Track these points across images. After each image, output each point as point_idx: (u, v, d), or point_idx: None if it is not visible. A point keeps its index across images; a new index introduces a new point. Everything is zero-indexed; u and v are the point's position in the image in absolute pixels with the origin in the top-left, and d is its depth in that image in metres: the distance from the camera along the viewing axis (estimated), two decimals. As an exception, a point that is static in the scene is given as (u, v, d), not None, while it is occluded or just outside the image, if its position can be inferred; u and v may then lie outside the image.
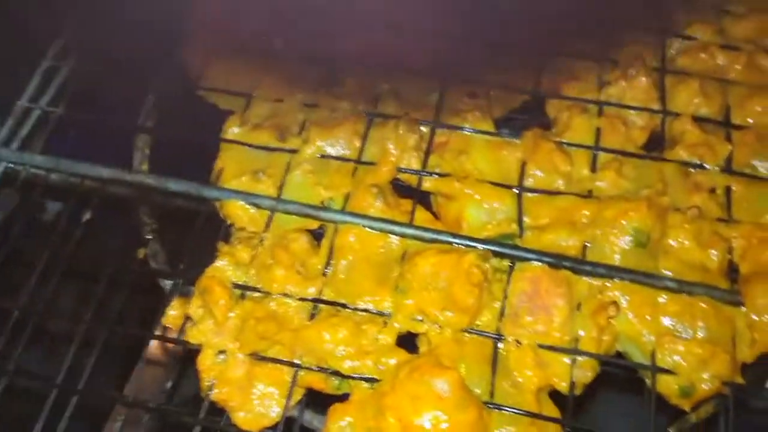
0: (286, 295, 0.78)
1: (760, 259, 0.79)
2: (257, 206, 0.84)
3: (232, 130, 0.90)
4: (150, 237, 0.88)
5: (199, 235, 0.84)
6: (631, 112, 0.90)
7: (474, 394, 0.70)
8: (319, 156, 0.88)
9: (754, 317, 0.75)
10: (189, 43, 1.00)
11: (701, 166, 0.86)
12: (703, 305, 0.76)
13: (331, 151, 0.88)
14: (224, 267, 0.80)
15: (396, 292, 0.77)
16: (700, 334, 0.75)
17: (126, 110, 0.99)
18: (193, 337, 0.76)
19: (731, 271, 0.80)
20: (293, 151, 0.88)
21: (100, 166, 0.87)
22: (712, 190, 0.83)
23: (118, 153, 0.95)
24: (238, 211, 0.84)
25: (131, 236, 0.90)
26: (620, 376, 0.80)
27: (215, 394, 0.74)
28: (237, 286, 0.79)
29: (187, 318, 0.78)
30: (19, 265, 0.85)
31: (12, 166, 0.90)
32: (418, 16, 0.98)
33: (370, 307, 0.77)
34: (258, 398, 0.74)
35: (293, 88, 0.93)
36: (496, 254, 0.79)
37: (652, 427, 0.72)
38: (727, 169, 0.86)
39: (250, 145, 0.89)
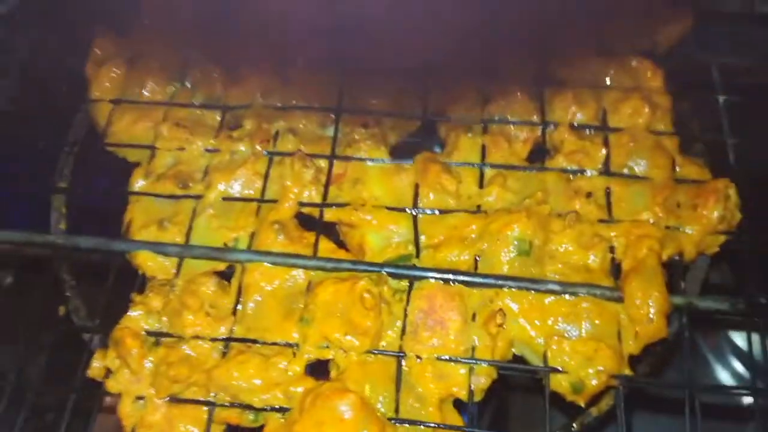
0: (197, 337, 0.82)
1: (637, 255, 0.84)
2: (165, 254, 0.87)
3: (138, 183, 0.94)
4: (69, 294, 0.91)
5: (113, 288, 0.87)
6: (513, 127, 0.96)
7: (376, 413, 0.75)
8: (222, 199, 0.92)
9: (632, 310, 0.81)
10: (92, 96, 1.03)
11: (581, 172, 0.92)
12: (587, 304, 0.82)
13: (233, 192, 0.92)
14: (137, 317, 0.83)
15: (301, 323, 0.81)
16: (585, 333, 0.80)
17: (41, 165, 1.03)
18: (111, 387, 0.80)
19: (615, 269, 0.86)
20: (198, 197, 0.92)
21: (12, 231, 0.90)
22: (590, 194, 0.89)
23: (38, 210, 0.98)
24: (147, 261, 0.88)
25: (52, 294, 0.93)
26: (521, 379, 0.86)
27: (138, 441, 0.77)
28: (150, 333, 0.83)
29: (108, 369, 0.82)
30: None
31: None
32: (306, 47, 1.02)
33: (279, 340, 0.81)
34: (179, 438, 0.78)
35: (194, 135, 0.96)
36: (394, 276, 0.84)
37: (547, 424, 0.77)
38: (605, 171, 0.92)
39: (155, 195, 0.92)
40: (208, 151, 0.96)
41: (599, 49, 1.02)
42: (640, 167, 0.92)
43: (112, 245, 0.89)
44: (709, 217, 0.86)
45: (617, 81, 0.99)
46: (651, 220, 0.87)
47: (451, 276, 0.82)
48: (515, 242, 0.85)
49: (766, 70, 1.02)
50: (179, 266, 0.88)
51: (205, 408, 0.79)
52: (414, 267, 0.85)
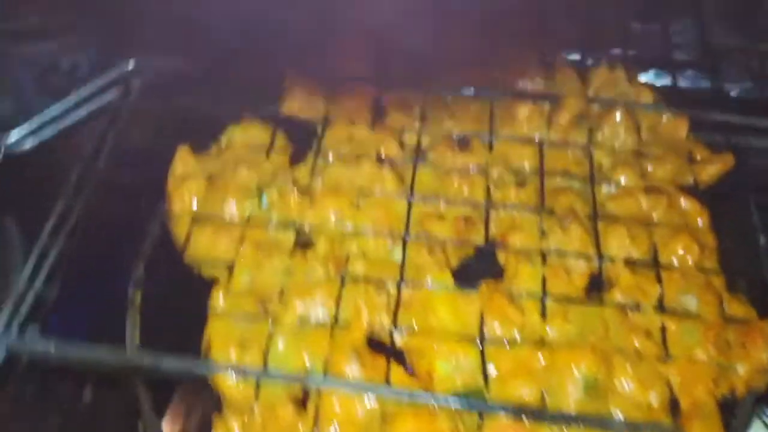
0: (279, 464, 0.86)
1: (694, 393, 0.90)
2: (245, 378, 0.92)
3: (219, 302, 0.99)
4: (146, 411, 0.94)
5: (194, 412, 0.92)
6: (571, 259, 1.02)
7: None
8: (299, 322, 0.97)
9: (696, 453, 0.85)
10: (172, 210, 1.09)
11: (637, 308, 0.98)
12: (649, 443, 0.87)
13: (309, 314, 0.97)
14: (218, 446, 0.87)
15: (379, 455, 0.86)
16: (649, 472, 0.85)
17: (116, 277, 1.08)
18: None
19: (673, 406, 0.91)
20: (274, 319, 0.97)
21: (94, 348, 0.94)
22: (648, 333, 0.95)
23: (113, 321, 1.03)
24: (227, 383, 0.92)
25: (130, 411, 0.97)
26: None
27: None
28: (232, 459, 0.86)
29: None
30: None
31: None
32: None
33: (356, 468, 0.85)
34: None
35: (271, 255, 1.02)
36: (466, 408, 0.89)
37: None
38: (660, 308, 0.98)
39: (235, 316, 0.97)
40: (283, 271, 1.02)
41: (647, 187, 1.10)
42: (690, 304, 0.98)
43: (195, 368, 0.93)
44: (758, 357, 0.92)
45: (666, 218, 1.06)
46: (706, 358, 0.93)
47: (524, 415, 0.87)
48: (582, 379, 0.90)
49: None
50: (257, 388, 0.92)
51: None
52: (489, 403, 0.89)
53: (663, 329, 0.96)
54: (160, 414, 0.95)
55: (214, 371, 0.92)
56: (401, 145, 1.16)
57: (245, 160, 1.13)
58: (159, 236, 1.09)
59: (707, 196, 1.09)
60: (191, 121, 1.20)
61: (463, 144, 1.14)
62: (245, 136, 1.18)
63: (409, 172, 1.13)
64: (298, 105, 1.22)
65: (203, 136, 1.19)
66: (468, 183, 1.11)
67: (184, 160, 1.13)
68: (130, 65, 1.28)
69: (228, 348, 0.95)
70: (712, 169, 1.13)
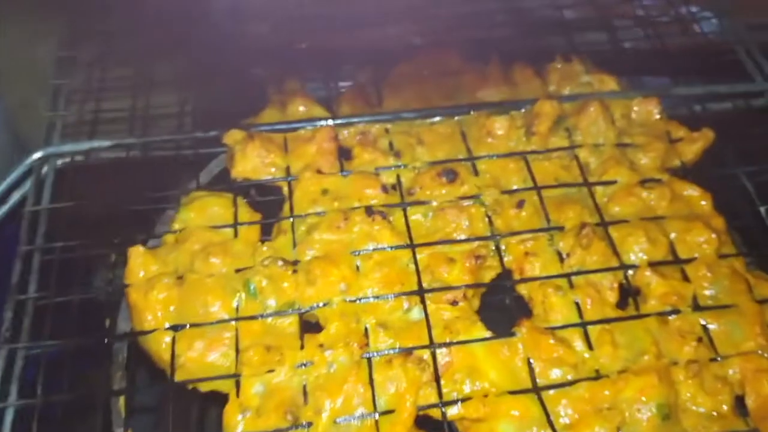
0: None
1: (761, 391, 0.87)
2: (301, 507, 0.79)
3: (237, 422, 0.84)
4: None
5: None
6: (597, 275, 0.96)
7: None
8: (336, 421, 0.85)
9: (784, 453, 0.83)
10: (144, 326, 0.92)
11: (676, 311, 0.93)
12: (736, 455, 0.83)
13: (346, 412, 0.85)
14: None
15: None
16: (745, 486, 0.81)
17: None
18: None
19: (739, 406, 0.88)
20: (308, 425, 0.84)
21: None
22: (700, 339, 0.91)
23: None
24: None
25: None
26: None
27: None
28: None
29: None
30: None
31: None
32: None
33: None
34: None
35: (284, 354, 0.88)
36: (548, 473, 0.81)
37: None
38: (696, 307, 0.94)
39: (264, 436, 0.83)
40: (299, 367, 0.88)
41: (642, 180, 1.06)
42: (723, 295, 0.95)
43: None
44: (809, 337, 0.91)
45: (672, 209, 1.03)
46: (758, 350, 0.90)
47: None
48: (656, 409, 0.84)
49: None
50: None
51: None
52: (568, 459, 0.82)
53: (706, 329, 0.93)
54: None
55: None
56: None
57: (212, 246, 0.97)
58: (128, 363, 0.92)
59: (699, 177, 1.07)
60: (122, 212, 1.02)
61: (449, 175, 1.05)
62: (202, 215, 1.02)
63: (399, 218, 1.02)
64: (251, 165, 1.07)
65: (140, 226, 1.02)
66: (466, 216, 1.02)
67: (141, 262, 0.95)
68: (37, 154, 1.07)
69: (264, 477, 0.81)
70: (695, 147, 1.11)
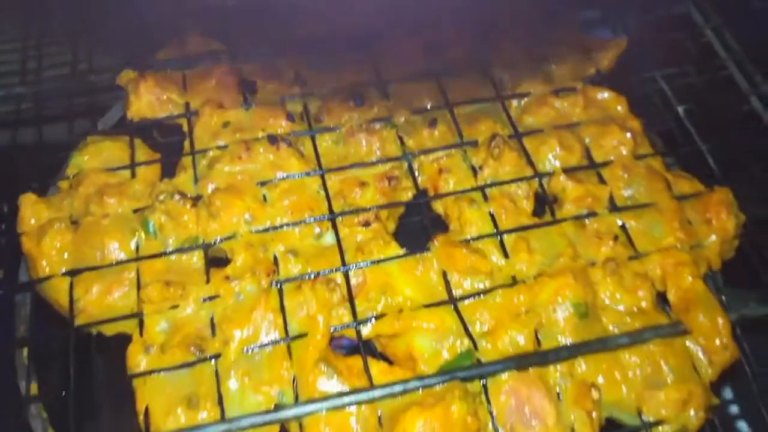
0: None
1: (682, 284, 0.85)
2: (209, 438, 0.75)
3: (141, 361, 0.80)
4: None
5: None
6: (512, 185, 0.94)
7: None
8: (245, 351, 0.81)
9: (704, 341, 0.81)
10: (39, 274, 0.87)
11: (593, 214, 0.91)
12: (658, 347, 0.81)
13: (255, 340, 0.81)
14: None
15: (395, 466, 0.73)
16: (669, 377, 0.79)
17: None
18: None
19: (661, 301, 0.86)
20: (216, 357, 0.80)
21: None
22: (616, 238, 0.89)
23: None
24: (189, 453, 0.75)
25: None
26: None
27: None
28: None
29: None
30: None
31: None
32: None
33: (373, 492, 0.72)
34: None
35: (186, 287, 0.84)
36: (465, 380, 0.78)
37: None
38: (614, 208, 0.92)
39: (167, 370, 0.79)
40: (205, 300, 0.84)
41: (555, 90, 1.03)
42: (641, 195, 0.93)
43: (143, 449, 0.74)
44: (727, 228, 0.89)
45: (587, 115, 1.00)
46: (678, 245, 0.88)
47: (533, 360, 0.78)
48: (571, 308, 0.82)
49: (704, 74, 1.08)
50: (226, 445, 0.75)
51: None
52: (486, 365, 0.79)
53: (624, 228, 0.90)
54: None
55: (168, 446, 0.74)
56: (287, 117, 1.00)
57: (108, 188, 0.92)
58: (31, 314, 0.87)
59: (616, 84, 1.04)
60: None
61: (357, 99, 1.01)
62: (96, 159, 0.97)
63: (309, 146, 0.98)
64: (147, 103, 1.01)
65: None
66: (377, 139, 0.98)
67: (33, 210, 0.90)
68: None
69: (173, 411, 0.77)
70: (609, 54, 1.08)
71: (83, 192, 0.92)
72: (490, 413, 0.77)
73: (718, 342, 0.81)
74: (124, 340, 0.83)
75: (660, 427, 0.78)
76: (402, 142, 0.98)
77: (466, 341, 0.82)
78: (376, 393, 0.77)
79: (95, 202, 0.90)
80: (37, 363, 0.86)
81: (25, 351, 0.86)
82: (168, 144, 1.00)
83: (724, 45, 1.10)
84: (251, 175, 0.93)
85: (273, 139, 0.95)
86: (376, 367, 0.81)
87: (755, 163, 0.98)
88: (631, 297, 0.85)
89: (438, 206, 0.95)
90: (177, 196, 0.89)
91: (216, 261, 0.89)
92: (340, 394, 0.77)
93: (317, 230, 0.90)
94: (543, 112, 1.01)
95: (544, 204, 0.94)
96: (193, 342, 0.81)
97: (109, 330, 0.85)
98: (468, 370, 0.78)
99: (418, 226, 0.94)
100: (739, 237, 0.92)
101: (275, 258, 0.87)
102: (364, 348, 0.82)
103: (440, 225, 0.94)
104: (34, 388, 0.84)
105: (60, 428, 0.83)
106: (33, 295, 0.89)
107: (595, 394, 0.77)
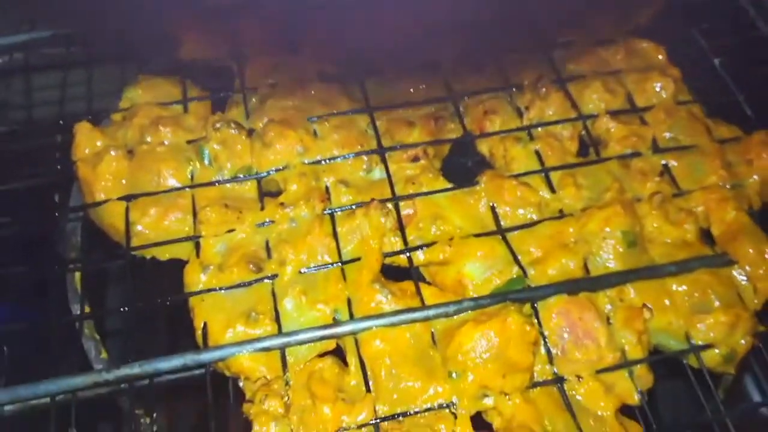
0: (345, 429, 0.72)
1: (725, 218, 0.87)
2: (267, 350, 0.76)
3: (199, 279, 0.81)
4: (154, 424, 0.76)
5: (213, 407, 0.74)
6: (557, 126, 0.96)
7: (575, 447, 0.70)
8: (301, 271, 0.82)
9: (749, 269, 0.83)
10: (95, 198, 0.88)
11: (637, 154, 0.93)
12: (705, 276, 0.82)
13: (311, 262, 0.83)
14: (266, 430, 0.72)
15: (452, 379, 0.74)
16: (716, 303, 0.81)
17: (47, 299, 0.86)
18: None
19: (705, 238, 0.88)
20: (273, 277, 0.82)
21: (69, 377, 0.74)
22: (661, 174, 0.91)
23: (62, 350, 0.82)
24: (248, 364, 0.76)
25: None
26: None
27: None
28: (290, 441, 0.71)
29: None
30: None
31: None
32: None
33: (431, 404, 0.74)
34: None
35: (243, 212, 0.85)
36: (517, 301, 0.79)
37: (718, 399, 0.77)
38: (656, 149, 0.94)
39: (226, 289, 0.81)
40: (261, 225, 0.86)
41: (598, 41, 1.05)
42: (683, 138, 0.95)
43: (201, 357, 0.76)
44: (766, 167, 0.91)
45: (629, 63, 1.03)
46: (720, 183, 0.90)
47: (584, 285, 0.80)
48: (621, 236, 0.84)
49: (738, 28, 1.10)
50: (283, 359, 0.77)
51: (385, 503, 0.69)
52: (537, 288, 0.81)
53: (667, 168, 0.92)
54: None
55: (229, 354, 0.75)
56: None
57: (163, 119, 0.94)
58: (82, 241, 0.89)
59: (655, 36, 1.07)
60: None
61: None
62: (149, 94, 0.98)
63: (357, 85, 1.00)
64: (200, 45, 1.03)
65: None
66: (423, 81, 1.00)
67: (88, 137, 0.92)
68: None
69: (231, 326, 0.78)
70: (648, 10, 1.10)
71: (137, 123, 0.93)
72: (542, 335, 0.78)
73: (763, 270, 0.82)
74: (179, 265, 0.85)
75: (709, 351, 0.79)
76: (449, 86, 1.00)
77: (516, 269, 0.83)
78: (431, 312, 0.79)
79: (150, 132, 0.92)
80: (88, 288, 0.87)
81: (78, 275, 0.88)
82: (218, 84, 1.02)
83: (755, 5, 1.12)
84: (302, 111, 0.95)
85: (323, 77, 0.96)
86: (428, 291, 0.83)
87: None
88: (676, 230, 0.87)
89: (483, 147, 0.97)
90: (232, 125, 0.90)
91: (269, 193, 0.91)
92: (395, 312, 0.78)
93: (366, 165, 0.92)
94: (585, 59, 1.03)
95: (589, 146, 0.96)
96: (251, 260, 0.82)
97: (164, 254, 0.86)
98: (519, 294, 0.80)
99: (462, 168, 0.96)
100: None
101: (327, 188, 0.89)
102: (422, 278, 0.84)
103: (485, 166, 0.95)
104: (86, 311, 0.85)
105: (112, 348, 0.85)
106: (85, 222, 0.91)
107: (646, 314, 0.78)
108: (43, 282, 0.86)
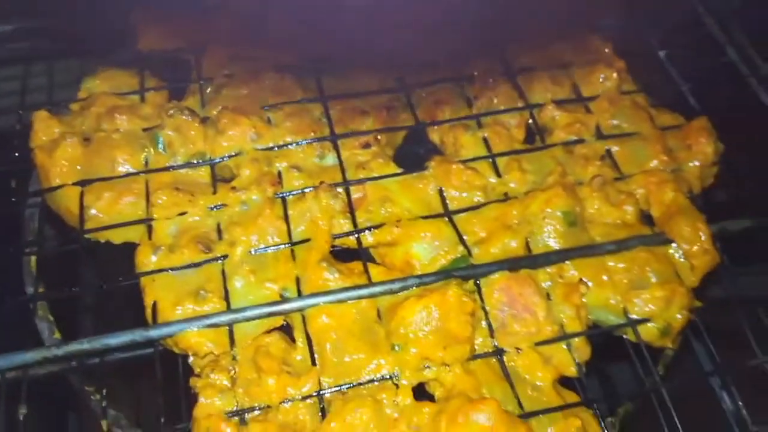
0: (288, 401, 0.74)
1: (664, 200, 0.90)
2: (215, 326, 0.78)
3: (150, 260, 0.83)
4: (101, 406, 0.77)
5: (162, 383, 0.76)
6: (505, 115, 0.99)
7: (512, 413, 0.72)
8: (251, 252, 0.84)
9: (686, 246, 0.86)
10: (51, 183, 0.90)
11: (581, 141, 0.96)
12: (643, 254, 0.85)
13: (260, 243, 0.85)
14: (212, 402, 0.73)
15: (395, 352, 0.76)
16: (653, 280, 0.84)
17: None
18: (214, 487, 0.69)
19: (644, 218, 0.91)
20: (223, 258, 0.84)
21: (20, 353, 0.76)
22: (601, 158, 0.94)
23: (16, 332, 0.83)
24: (195, 340, 0.77)
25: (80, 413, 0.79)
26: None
27: None
28: (233, 414, 0.73)
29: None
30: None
31: None
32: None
33: (374, 376, 0.76)
34: None
35: (195, 195, 0.88)
36: (463, 278, 0.82)
37: (655, 373, 0.79)
38: (600, 135, 0.97)
39: (177, 269, 0.82)
40: (212, 209, 0.88)
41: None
42: (626, 125, 0.99)
43: (150, 333, 0.77)
44: (706, 152, 0.95)
45: (576, 57, 1.06)
46: (661, 168, 0.93)
47: (524, 262, 0.82)
48: (561, 216, 0.86)
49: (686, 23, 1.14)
50: (231, 335, 0.78)
51: (328, 472, 0.71)
52: (480, 265, 0.83)
53: (610, 153, 0.96)
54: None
55: (178, 330, 0.77)
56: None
57: (119, 108, 0.96)
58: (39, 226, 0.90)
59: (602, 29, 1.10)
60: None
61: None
62: (107, 84, 1.00)
63: (313, 78, 1.02)
64: (156, 37, 1.06)
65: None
66: (377, 74, 1.03)
67: (45, 125, 0.93)
68: None
69: (181, 304, 0.80)
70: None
71: (95, 111, 0.95)
72: (484, 310, 0.80)
73: (698, 247, 0.85)
74: (132, 248, 0.86)
75: (645, 325, 0.82)
76: (401, 80, 1.03)
77: (461, 248, 0.86)
78: (377, 289, 0.81)
79: (106, 120, 0.94)
80: (45, 272, 0.89)
81: (33, 258, 0.89)
82: (175, 75, 1.04)
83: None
84: (257, 100, 0.97)
85: (278, 69, 0.99)
86: (376, 270, 0.85)
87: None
88: (616, 211, 0.90)
89: (434, 135, 1.00)
90: (186, 112, 0.93)
91: (222, 179, 0.93)
92: (342, 289, 0.80)
93: (319, 151, 0.94)
94: (537, 53, 1.06)
95: (535, 134, 0.99)
96: (201, 241, 0.84)
97: (117, 237, 0.88)
98: (464, 271, 0.82)
99: (415, 154, 0.99)
100: (720, 164, 0.97)
101: (279, 174, 0.91)
102: (370, 259, 0.86)
103: (436, 154, 0.98)
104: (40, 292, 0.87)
105: (65, 329, 0.86)
106: (42, 207, 0.92)
107: (583, 288, 0.81)
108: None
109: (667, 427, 0.77)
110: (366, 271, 0.84)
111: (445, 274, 0.82)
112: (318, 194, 0.87)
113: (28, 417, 0.75)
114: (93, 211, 0.88)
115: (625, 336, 0.84)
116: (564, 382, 0.79)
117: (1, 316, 0.81)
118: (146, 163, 0.92)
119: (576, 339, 0.80)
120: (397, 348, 0.76)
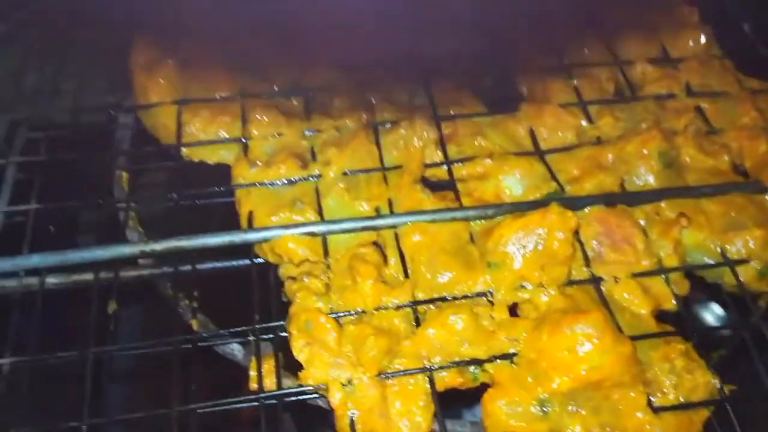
0: (384, 307, 0.73)
1: (758, 151, 0.90)
2: (311, 234, 0.78)
3: (248, 172, 0.84)
4: (190, 310, 0.77)
5: (260, 289, 0.75)
6: (595, 69, 0.99)
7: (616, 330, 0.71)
8: (344, 173, 0.85)
9: (786, 194, 0.85)
10: (149, 101, 0.92)
11: (671, 95, 0.96)
12: (739, 200, 0.84)
13: (353, 166, 0.85)
14: (309, 303, 0.73)
15: (490, 269, 0.76)
16: (750, 223, 0.82)
17: (96, 188, 0.88)
18: (312, 378, 0.68)
19: (737, 169, 0.90)
20: (318, 177, 0.84)
21: (116, 245, 0.76)
22: (693, 111, 0.94)
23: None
24: (291, 245, 0.77)
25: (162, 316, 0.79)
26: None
27: (360, 429, 0.66)
28: (331, 315, 0.72)
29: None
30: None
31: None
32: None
33: (468, 293, 0.75)
34: (399, 416, 0.68)
35: (288, 119, 0.89)
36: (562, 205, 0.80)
37: (755, 313, 0.77)
38: (690, 92, 0.97)
39: (271, 184, 0.83)
40: (307, 133, 0.89)
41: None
42: (715, 85, 0.99)
43: (248, 236, 0.77)
44: (798, 113, 0.94)
45: (665, 21, 1.07)
46: (751, 124, 0.93)
47: (622, 198, 0.82)
48: (658, 157, 0.86)
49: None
50: (325, 246, 0.78)
51: (422, 377, 0.69)
52: (577, 198, 0.82)
53: (700, 110, 0.95)
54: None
55: (274, 235, 0.77)
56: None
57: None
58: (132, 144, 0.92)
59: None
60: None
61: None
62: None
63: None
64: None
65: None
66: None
67: (145, 49, 0.96)
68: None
69: (276, 213, 0.80)
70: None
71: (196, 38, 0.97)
72: (579, 242, 0.80)
73: (798, 194, 0.84)
74: (226, 170, 0.87)
75: (744, 265, 0.80)
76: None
77: (554, 185, 0.86)
78: (470, 213, 0.81)
79: (204, 51, 0.96)
80: (135, 190, 0.90)
81: (125, 175, 0.90)
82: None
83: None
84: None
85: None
86: (467, 199, 0.84)
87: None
88: (711, 160, 0.89)
89: (523, 87, 1.00)
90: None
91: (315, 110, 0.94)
92: (435, 210, 0.80)
93: (410, 89, 0.95)
94: (624, 16, 1.07)
95: (624, 92, 0.99)
96: (302, 159, 0.85)
97: (212, 157, 0.89)
98: (562, 200, 0.81)
99: (503, 99, 0.99)
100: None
101: (372, 105, 0.92)
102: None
103: (522, 99, 0.98)
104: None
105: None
106: (135, 134, 0.94)
107: (684, 222, 0.80)
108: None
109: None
110: (457, 198, 0.83)
111: (541, 203, 0.81)
112: (413, 123, 0.87)
113: (117, 317, 0.75)
114: (190, 128, 0.89)
115: (720, 282, 0.82)
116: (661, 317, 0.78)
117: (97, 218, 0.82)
118: (242, 89, 0.93)
119: (674, 273, 0.78)
120: (492, 266, 0.76)
